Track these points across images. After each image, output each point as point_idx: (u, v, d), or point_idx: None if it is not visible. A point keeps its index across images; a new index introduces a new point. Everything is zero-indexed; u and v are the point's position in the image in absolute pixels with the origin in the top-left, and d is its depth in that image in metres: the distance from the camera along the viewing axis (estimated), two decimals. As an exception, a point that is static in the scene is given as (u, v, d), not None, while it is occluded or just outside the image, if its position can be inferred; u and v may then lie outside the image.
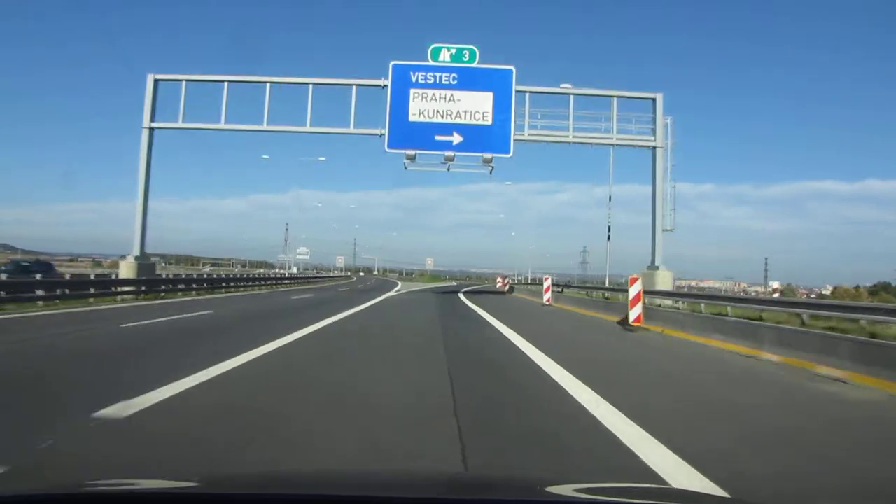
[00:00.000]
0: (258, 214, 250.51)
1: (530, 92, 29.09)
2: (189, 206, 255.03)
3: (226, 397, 6.32)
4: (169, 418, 5.39)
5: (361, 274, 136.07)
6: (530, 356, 10.03)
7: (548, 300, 30.92)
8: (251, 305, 22.42)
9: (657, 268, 28.51)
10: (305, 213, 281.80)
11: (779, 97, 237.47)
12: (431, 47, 28.80)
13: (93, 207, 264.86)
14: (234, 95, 29.07)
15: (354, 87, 28.93)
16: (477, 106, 28.26)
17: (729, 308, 18.32)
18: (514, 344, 11.84)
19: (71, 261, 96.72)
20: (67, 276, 25.00)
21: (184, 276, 36.15)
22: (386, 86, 28.56)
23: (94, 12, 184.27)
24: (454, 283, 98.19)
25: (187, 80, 29.39)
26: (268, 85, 29.03)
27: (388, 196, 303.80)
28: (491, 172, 28.88)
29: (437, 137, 28.08)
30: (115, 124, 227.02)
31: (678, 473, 4.20)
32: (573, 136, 28.76)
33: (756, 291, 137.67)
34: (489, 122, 28.24)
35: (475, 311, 22.95)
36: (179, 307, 19.50)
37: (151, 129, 29.32)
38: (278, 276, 62.21)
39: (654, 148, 29.24)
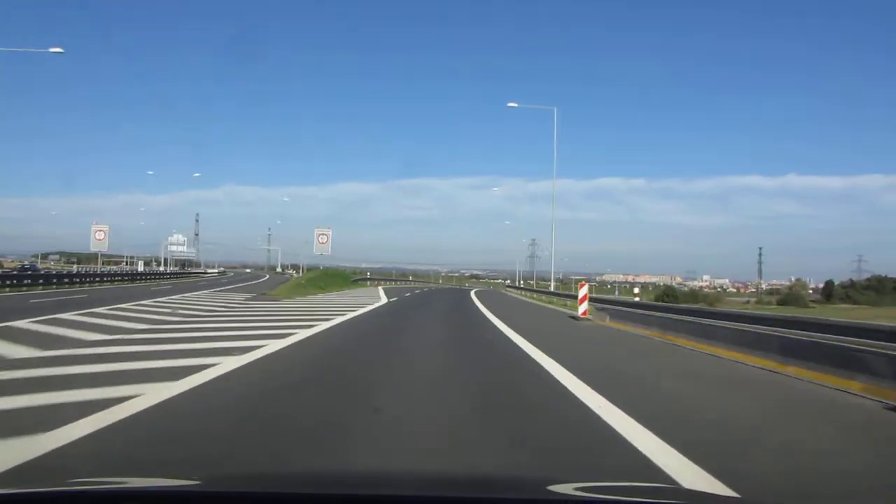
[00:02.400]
0: (192, 209, 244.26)
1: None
2: (119, 202, 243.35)
3: None
4: None
5: (248, 271, 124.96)
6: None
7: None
8: None
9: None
10: (239, 209, 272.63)
11: (709, 91, 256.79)
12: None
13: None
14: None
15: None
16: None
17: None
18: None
19: None
20: None
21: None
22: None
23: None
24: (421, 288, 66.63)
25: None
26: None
27: (320, 191, 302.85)
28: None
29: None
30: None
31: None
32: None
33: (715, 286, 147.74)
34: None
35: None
36: None
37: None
38: (107, 272, 57.63)
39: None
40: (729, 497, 3.48)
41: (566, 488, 2.13)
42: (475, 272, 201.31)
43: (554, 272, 43.33)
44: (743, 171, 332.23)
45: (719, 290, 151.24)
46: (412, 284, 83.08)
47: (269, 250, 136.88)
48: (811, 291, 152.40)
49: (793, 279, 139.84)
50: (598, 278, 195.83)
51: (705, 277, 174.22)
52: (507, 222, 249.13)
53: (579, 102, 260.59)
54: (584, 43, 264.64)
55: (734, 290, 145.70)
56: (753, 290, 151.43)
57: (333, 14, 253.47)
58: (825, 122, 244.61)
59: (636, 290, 43.43)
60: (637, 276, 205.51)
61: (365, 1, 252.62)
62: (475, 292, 52.00)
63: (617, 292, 79.07)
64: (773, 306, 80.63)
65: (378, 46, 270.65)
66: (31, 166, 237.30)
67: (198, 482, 2.19)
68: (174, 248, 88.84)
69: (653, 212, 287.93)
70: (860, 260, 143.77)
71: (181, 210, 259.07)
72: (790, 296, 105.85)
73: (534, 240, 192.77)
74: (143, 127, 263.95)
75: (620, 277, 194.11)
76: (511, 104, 40.68)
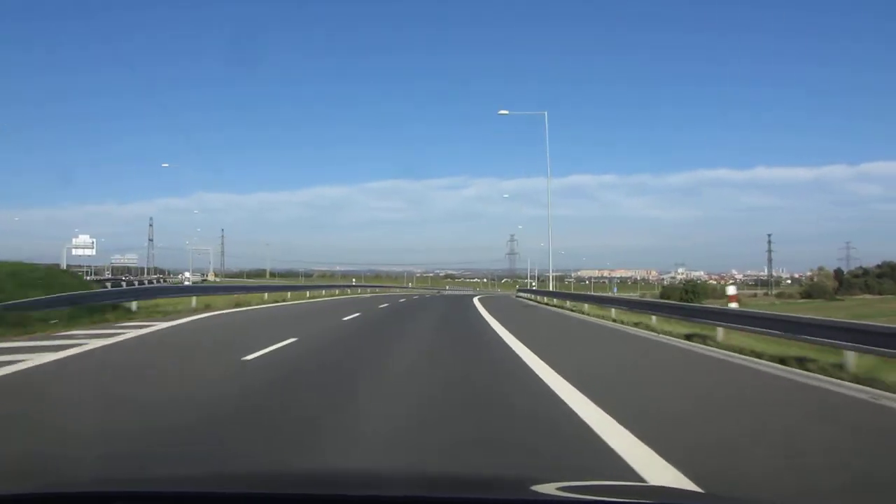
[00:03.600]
0: (164, 218, 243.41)
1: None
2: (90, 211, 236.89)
3: None
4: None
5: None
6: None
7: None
8: None
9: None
10: (211, 215, 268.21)
11: (677, 85, 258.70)
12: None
13: None
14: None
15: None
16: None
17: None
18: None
19: None
20: None
21: None
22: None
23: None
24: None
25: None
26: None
27: (293, 196, 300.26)
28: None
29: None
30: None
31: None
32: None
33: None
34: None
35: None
36: None
37: None
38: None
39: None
40: (724, 497, 3.38)
41: (550, 488, 2.14)
42: (450, 272, 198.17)
43: (536, 270, 41.66)
44: (712, 165, 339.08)
45: (698, 282, 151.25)
46: (386, 292, 63.51)
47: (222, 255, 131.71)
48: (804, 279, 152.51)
49: (815, 269, 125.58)
50: (573, 274, 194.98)
51: (680, 270, 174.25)
52: (520, 227, 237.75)
53: (548, 103, 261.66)
54: (552, 41, 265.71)
55: (714, 283, 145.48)
56: (733, 281, 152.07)
57: (307, 16, 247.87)
58: (790, 112, 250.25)
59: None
60: (612, 270, 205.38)
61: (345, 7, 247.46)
62: (483, 304, 32.24)
63: (615, 290, 74.58)
64: (803, 301, 76.79)
65: (348, 49, 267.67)
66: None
67: (197, 482, 2.23)
68: (79, 251, 79.77)
69: (625, 207, 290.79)
70: (849, 247, 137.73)
71: (144, 219, 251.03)
72: (815, 287, 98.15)
73: (513, 236, 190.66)
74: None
75: (595, 273, 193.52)
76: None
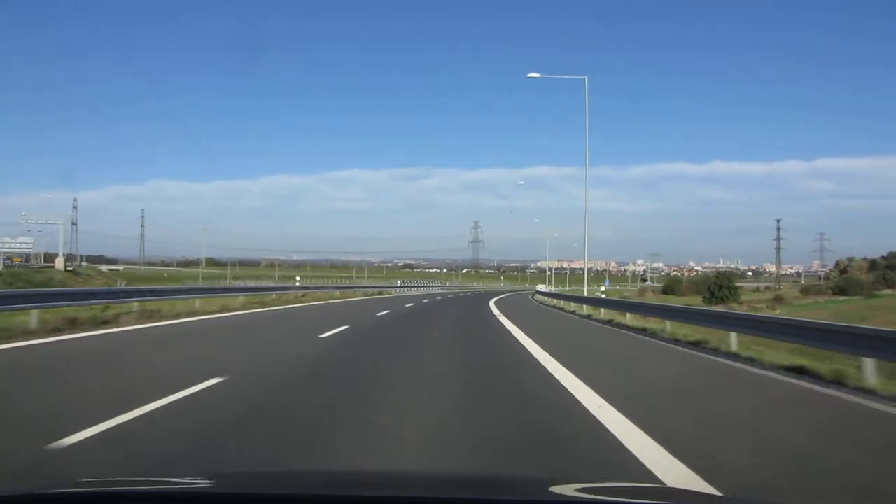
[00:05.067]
0: (113, 206, 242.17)
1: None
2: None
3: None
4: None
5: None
6: None
7: None
8: None
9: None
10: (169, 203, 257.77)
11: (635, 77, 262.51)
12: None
13: None
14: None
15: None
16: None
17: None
18: None
19: None
20: None
21: None
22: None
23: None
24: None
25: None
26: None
27: (253, 185, 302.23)
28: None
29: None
30: None
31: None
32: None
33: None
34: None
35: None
36: None
37: None
38: None
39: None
40: (741, 498, 3.45)
41: (568, 489, 2.10)
42: (409, 261, 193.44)
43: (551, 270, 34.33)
44: (671, 159, 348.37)
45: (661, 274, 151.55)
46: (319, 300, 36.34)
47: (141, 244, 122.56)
48: (791, 273, 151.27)
49: (848, 259, 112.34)
50: (533, 265, 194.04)
51: (639, 262, 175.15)
52: (536, 221, 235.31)
53: (508, 90, 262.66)
54: (511, 32, 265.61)
55: (678, 274, 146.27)
56: (689, 272, 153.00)
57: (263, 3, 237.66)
58: (745, 107, 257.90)
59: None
60: (572, 261, 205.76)
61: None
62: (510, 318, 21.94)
63: (607, 282, 69.22)
64: (843, 299, 69.20)
65: (309, 39, 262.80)
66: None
67: (201, 482, 2.17)
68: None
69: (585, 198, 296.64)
70: (822, 239, 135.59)
71: (109, 207, 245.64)
72: (850, 281, 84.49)
73: (476, 222, 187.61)
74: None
75: (556, 264, 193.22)
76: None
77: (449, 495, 1.94)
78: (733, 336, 11.47)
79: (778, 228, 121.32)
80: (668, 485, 3.71)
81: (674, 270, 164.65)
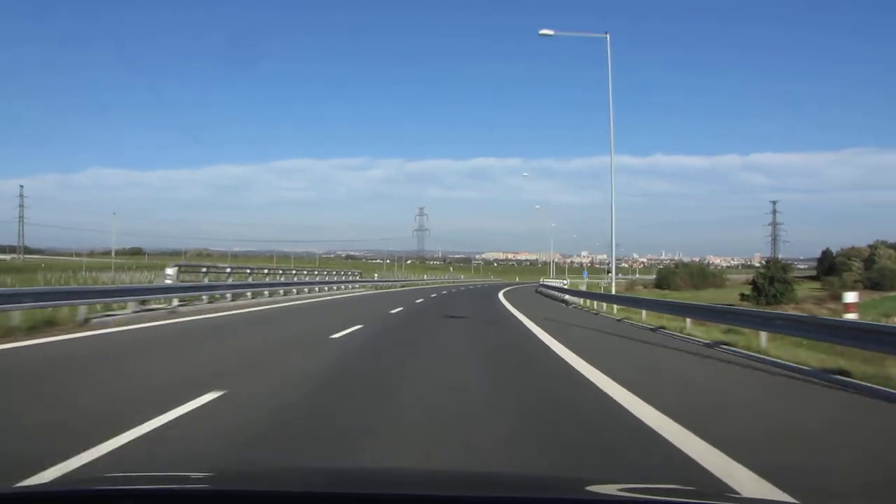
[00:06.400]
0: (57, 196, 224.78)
1: None
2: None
3: None
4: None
5: None
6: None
7: None
8: None
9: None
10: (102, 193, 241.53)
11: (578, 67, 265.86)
12: None
13: None
14: None
15: None
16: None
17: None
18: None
19: None
20: None
21: None
22: None
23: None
24: None
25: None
26: None
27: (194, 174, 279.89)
28: None
29: None
30: None
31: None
32: None
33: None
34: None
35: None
36: None
37: None
38: None
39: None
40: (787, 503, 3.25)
41: (609, 489, 2.08)
42: (353, 253, 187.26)
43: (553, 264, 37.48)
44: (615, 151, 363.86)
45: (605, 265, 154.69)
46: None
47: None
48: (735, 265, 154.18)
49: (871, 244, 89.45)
50: (477, 257, 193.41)
51: (584, 253, 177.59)
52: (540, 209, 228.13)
53: (452, 81, 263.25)
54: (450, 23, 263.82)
55: (627, 266, 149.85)
56: (634, 264, 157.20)
57: None
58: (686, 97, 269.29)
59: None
60: (516, 253, 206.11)
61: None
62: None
63: (585, 274, 67.28)
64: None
65: (248, 29, 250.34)
66: None
67: (200, 481, 2.13)
68: None
69: (530, 190, 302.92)
70: (775, 226, 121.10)
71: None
72: (887, 273, 73.47)
73: (422, 209, 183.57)
74: None
75: (500, 255, 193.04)
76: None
77: (490, 494, 1.92)
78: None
79: (774, 212, 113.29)
80: None
81: (621, 263, 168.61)
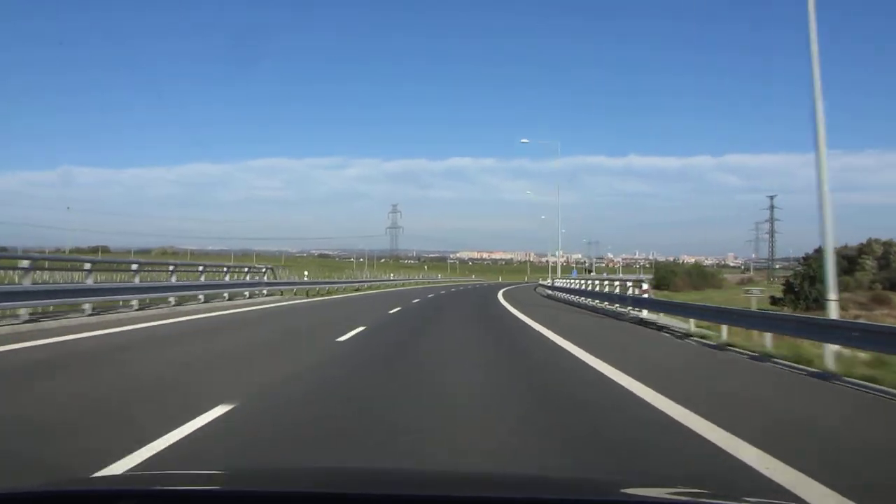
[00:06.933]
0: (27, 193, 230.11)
1: None
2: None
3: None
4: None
5: None
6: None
7: None
8: None
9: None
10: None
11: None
12: None
13: None
14: None
15: None
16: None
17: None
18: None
19: None
20: None
21: None
22: None
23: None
24: None
25: None
26: None
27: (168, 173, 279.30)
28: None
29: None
30: None
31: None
32: None
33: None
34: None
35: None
36: None
37: None
38: None
39: None
40: None
41: (642, 492, 2.07)
42: (326, 251, 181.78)
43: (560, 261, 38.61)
44: (589, 152, 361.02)
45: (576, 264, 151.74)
46: None
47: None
48: (738, 264, 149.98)
49: (815, 251, 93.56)
50: (452, 256, 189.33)
51: (558, 252, 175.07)
52: (543, 216, 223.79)
53: (427, 81, 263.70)
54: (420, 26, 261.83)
55: (604, 266, 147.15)
56: (611, 264, 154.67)
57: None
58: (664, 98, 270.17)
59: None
60: (492, 252, 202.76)
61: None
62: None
63: (574, 273, 64.78)
64: None
65: (230, 30, 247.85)
66: None
67: (202, 481, 2.12)
68: None
69: (505, 190, 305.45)
70: (758, 227, 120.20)
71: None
72: None
73: (395, 206, 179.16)
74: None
75: (476, 255, 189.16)
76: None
77: (524, 495, 1.88)
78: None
79: (772, 207, 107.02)
80: None
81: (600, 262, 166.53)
